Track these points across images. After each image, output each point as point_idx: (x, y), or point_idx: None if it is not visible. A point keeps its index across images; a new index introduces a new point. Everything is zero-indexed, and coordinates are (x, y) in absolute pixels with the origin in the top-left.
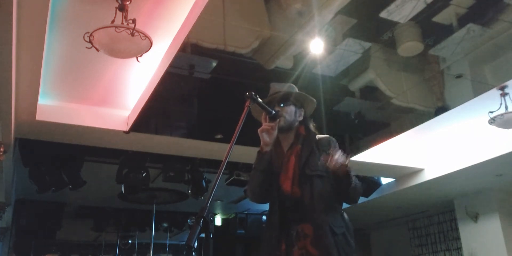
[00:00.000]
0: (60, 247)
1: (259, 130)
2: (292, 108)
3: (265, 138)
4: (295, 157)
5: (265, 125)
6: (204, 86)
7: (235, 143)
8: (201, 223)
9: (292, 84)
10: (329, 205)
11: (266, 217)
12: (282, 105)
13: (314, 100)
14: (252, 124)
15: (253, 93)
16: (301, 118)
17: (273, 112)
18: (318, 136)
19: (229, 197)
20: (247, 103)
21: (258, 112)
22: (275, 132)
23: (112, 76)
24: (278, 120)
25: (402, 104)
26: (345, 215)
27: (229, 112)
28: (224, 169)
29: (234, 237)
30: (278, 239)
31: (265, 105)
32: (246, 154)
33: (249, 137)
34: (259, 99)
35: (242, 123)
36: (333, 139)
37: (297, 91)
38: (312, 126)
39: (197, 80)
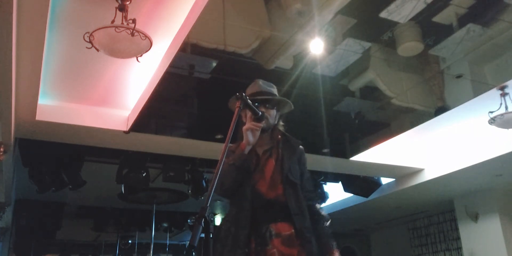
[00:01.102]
0: (60, 247)
1: (244, 128)
2: (274, 112)
3: (250, 137)
4: (276, 161)
5: (252, 124)
6: (204, 86)
7: (232, 143)
8: (202, 223)
9: (272, 84)
10: (300, 200)
11: (231, 213)
12: (268, 106)
13: (292, 106)
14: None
15: (243, 94)
16: (276, 122)
17: (260, 113)
18: (296, 142)
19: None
20: (238, 104)
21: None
22: (258, 133)
23: (112, 76)
24: (263, 121)
25: (402, 104)
26: (318, 206)
27: (229, 112)
28: None
29: None
30: (247, 237)
31: (253, 106)
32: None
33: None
34: (249, 100)
35: (235, 123)
36: (302, 148)
37: (276, 92)
38: (282, 129)
39: (197, 80)
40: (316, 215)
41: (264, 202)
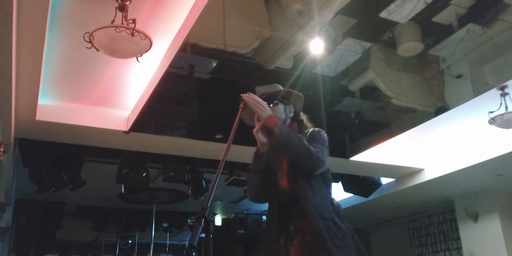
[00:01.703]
0: (60, 247)
1: (254, 131)
2: (280, 107)
3: (261, 138)
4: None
5: (260, 124)
6: (204, 86)
7: (234, 143)
8: (202, 223)
9: (276, 84)
10: (316, 191)
11: (266, 216)
12: (270, 106)
13: (301, 94)
14: (246, 123)
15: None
16: (292, 114)
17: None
18: (310, 129)
19: (229, 197)
20: (242, 104)
21: (248, 117)
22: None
23: (112, 76)
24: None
25: (402, 104)
26: (335, 201)
27: (229, 112)
28: (224, 169)
29: (234, 237)
30: (276, 234)
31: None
32: (246, 154)
33: (248, 137)
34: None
35: (238, 124)
36: (320, 131)
37: (281, 88)
38: (305, 119)
39: (197, 80)
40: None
41: (287, 198)
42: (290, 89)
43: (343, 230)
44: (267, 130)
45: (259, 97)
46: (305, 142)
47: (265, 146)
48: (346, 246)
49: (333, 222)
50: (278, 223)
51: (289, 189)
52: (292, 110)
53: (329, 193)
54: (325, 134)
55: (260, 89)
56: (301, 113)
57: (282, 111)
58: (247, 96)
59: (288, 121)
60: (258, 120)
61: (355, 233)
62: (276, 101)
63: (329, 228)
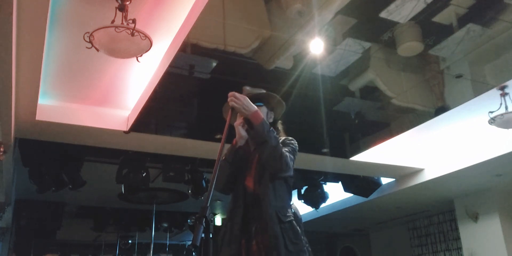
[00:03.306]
0: (60, 247)
1: (235, 123)
2: (263, 110)
3: (241, 131)
4: (260, 157)
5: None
6: (204, 86)
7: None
8: (203, 223)
9: (262, 89)
10: (277, 194)
11: (228, 209)
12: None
13: (284, 104)
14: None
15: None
16: (271, 120)
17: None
18: (282, 137)
19: (229, 197)
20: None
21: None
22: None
23: (112, 76)
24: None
25: (402, 104)
26: (294, 206)
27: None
28: None
29: None
30: (239, 232)
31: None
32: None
33: None
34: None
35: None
36: (292, 140)
37: (267, 92)
38: (281, 128)
39: (197, 80)
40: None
41: (251, 198)
42: (275, 95)
43: (299, 235)
44: (249, 125)
45: (246, 94)
46: (280, 145)
47: (243, 140)
48: (298, 251)
49: (290, 225)
50: (242, 222)
51: (254, 189)
52: (272, 116)
53: (290, 197)
54: (296, 143)
55: (247, 89)
56: (279, 122)
57: (264, 114)
58: (231, 95)
59: None
60: (241, 116)
61: (307, 241)
62: (260, 103)
63: (286, 231)
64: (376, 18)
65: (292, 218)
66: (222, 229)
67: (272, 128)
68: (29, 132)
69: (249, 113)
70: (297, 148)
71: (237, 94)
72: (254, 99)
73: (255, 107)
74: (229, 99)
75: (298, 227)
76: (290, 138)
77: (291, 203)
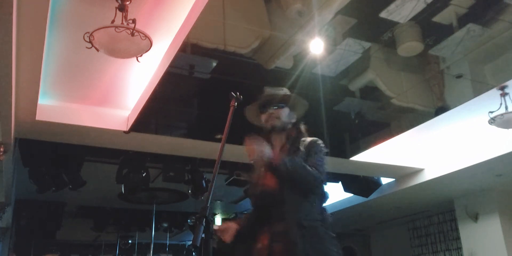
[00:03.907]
0: (60, 247)
1: (250, 158)
2: (285, 110)
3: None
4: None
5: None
6: (204, 86)
7: (233, 143)
8: (203, 223)
9: (284, 88)
10: (301, 198)
11: (250, 211)
12: (278, 107)
13: (306, 103)
14: (246, 124)
15: (237, 93)
16: (294, 120)
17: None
18: (307, 138)
19: (229, 197)
20: (232, 103)
21: (252, 114)
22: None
23: (112, 76)
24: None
25: (402, 104)
26: (325, 210)
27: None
28: (224, 169)
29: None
30: (261, 233)
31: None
32: (246, 154)
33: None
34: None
35: (231, 122)
36: (318, 141)
37: (288, 93)
38: (303, 128)
39: (197, 80)
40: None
41: (271, 200)
42: (297, 96)
43: (323, 240)
44: (272, 168)
45: (268, 95)
46: (308, 168)
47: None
48: None
49: (314, 230)
50: (264, 222)
51: (275, 190)
52: (295, 116)
53: (320, 201)
54: (323, 144)
55: (268, 89)
56: (302, 122)
57: (286, 115)
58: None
59: (289, 126)
60: (262, 119)
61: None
62: (282, 104)
63: (307, 236)
64: (376, 18)
65: (319, 222)
66: (244, 230)
67: (292, 131)
68: (29, 132)
69: (268, 158)
70: (324, 149)
71: (248, 148)
72: (276, 100)
73: (268, 152)
74: (248, 156)
75: (325, 232)
76: (315, 139)
77: (322, 206)
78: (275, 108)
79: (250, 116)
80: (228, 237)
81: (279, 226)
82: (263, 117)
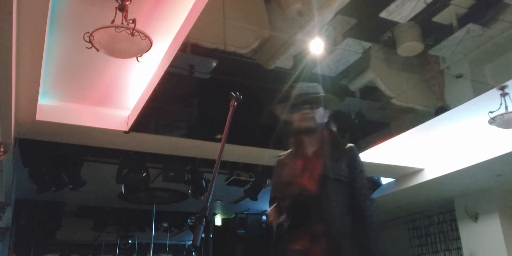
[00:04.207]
0: (60, 247)
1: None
2: (321, 111)
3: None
4: (322, 160)
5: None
6: (204, 86)
7: (234, 144)
8: (203, 223)
9: (316, 84)
10: (347, 209)
11: (286, 214)
12: (312, 107)
13: (339, 100)
14: (246, 124)
15: (237, 93)
16: (326, 120)
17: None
18: (347, 144)
19: (229, 197)
20: (232, 103)
21: (284, 113)
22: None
23: (112, 76)
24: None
25: (402, 104)
26: (369, 213)
27: (228, 111)
28: (224, 169)
29: (234, 237)
30: (298, 235)
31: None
32: (246, 154)
33: (246, 137)
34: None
35: (231, 122)
36: (355, 149)
37: (322, 90)
38: (334, 128)
39: (197, 80)
40: (358, 212)
41: (312, 202)
42: (333, 96)
43: (363, 248)
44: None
45: (302, 94)
46: (366, 204)
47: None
48: None
49: (359, 233)
50: (300, 224)
51: (318, 194)
52: (327, 115)
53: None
54: (357, 152)
55: (301, 86)
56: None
57: (322, 115)
58: None
59: (320, 128)
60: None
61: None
62: (318, 105)
63: (352, 239)
64: (376, 18)
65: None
66: (279, 233)
67: (326, 132)
68: (29, 132)
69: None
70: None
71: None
72: (312, 100)
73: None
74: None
75: (372, 235)
76: (353, 147)
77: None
78: (310, 108)
79: (279, 114)
80: (276, 221)
81: (321, 227)
82: (295, 116)
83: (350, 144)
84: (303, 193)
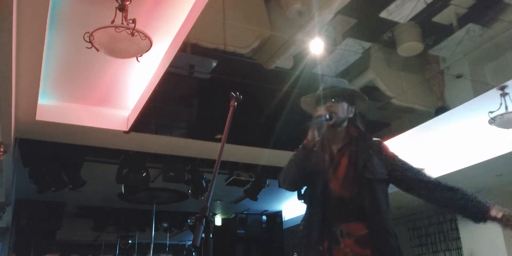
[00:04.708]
0: (60, 247)
1: (315, 116)
2: (344, 105)
3: (315, 133)
4: (350, 159)
5: (314, 119)
6: (204, 86)
7: (234, 144)
8: (203, 223)
9: (343, 79)
10: (387, 208)
11: (307, 215)
12: (335, 100)
13: (367, 98)
14: (246, 124)
15: (237, 92)
16: (351, 115)
17: (327, 117)
18: (373, 138)
19: (229, 197)
20: (232, 103)
21: (309, 106)
22: (322, 130)
23: (112, 76)
24: (330, 122)
25: (402, 104)
26: None
27: (228, 111)
28: (224, 169)
29: (234, 237)
30: (320, 236)
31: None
32: (246, 154)
33: (247, 137)
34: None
35: (230, 122)
36: (383, 143)
37: (349, 86)
38: (360, 124)
39: (197, 80)
40: (430, 184)
41: (336, 202)
42: (358, 90)
43: (401, 251)
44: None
45: (325, 88)
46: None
47: (313, 141)
48: None
49: (396, 240)
50: (321, 224)
51: (343, 194)
52: (353, 111)
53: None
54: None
55: (327, 80)
56: (361, 117)
57: (344, 109)
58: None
59: (346, 122)
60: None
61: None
62: (342, 98)
63: (394, 245)
64: (376, 18)
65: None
66: (300, 232)
67: (351, 127)
68: (29, 132)
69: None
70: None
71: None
72: (335, 93)
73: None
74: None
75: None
76: (383, 142)
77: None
78: (333, 102)
79: (306, 107)
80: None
81: (354, 229)
82: (319, 109)
83: (376, 139)
84: (327, 193)
